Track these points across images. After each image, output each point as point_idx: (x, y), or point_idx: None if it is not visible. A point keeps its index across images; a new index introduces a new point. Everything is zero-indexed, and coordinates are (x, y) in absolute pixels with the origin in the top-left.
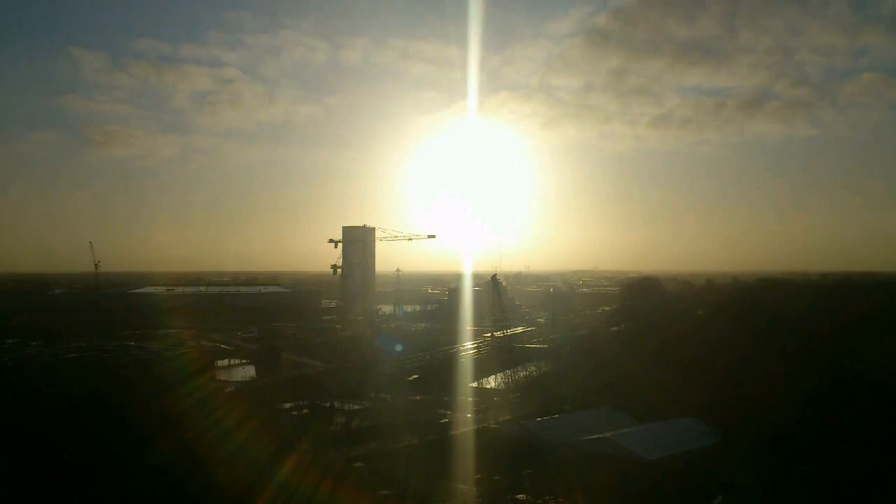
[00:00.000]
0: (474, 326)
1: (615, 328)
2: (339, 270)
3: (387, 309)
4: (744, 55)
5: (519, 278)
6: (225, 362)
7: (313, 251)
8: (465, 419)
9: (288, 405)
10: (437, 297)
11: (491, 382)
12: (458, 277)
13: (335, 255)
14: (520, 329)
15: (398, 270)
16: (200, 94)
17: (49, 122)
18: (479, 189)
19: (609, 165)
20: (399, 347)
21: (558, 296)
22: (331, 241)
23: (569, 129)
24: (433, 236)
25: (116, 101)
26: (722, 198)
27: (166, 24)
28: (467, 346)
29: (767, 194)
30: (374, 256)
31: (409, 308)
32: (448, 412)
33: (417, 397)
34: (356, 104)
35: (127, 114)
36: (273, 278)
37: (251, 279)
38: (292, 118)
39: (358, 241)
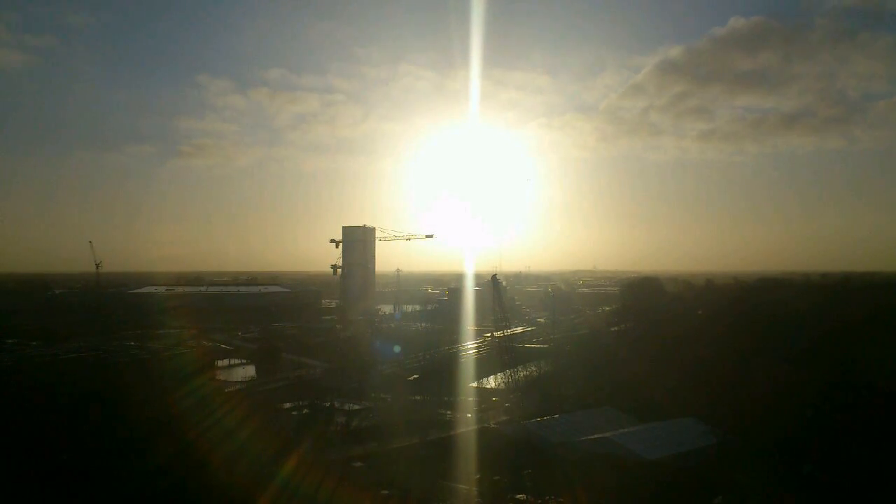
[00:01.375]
0: (474, 326)
1: (615, 328)
2: (339, 270)
3: (387, 309)
4: (794, 81)
5: (519, 278)
6: (225, 362)
7: (313, 251)
8: (465, 419)
9: (288, 405)
10: (437, 297)
11: (491, 382)
12: (458, 277)
13: (335, 255)
14: (520, 329)
15: (398, 270)
16: (302, 115)
17: (152, 137)
18: (479, 189)
19: (625, 173)
20: (397, 349)
21: (558, 296)
22: (332, 241)
23: (620, 143)
24: (431, 236)
25: (224, 121)
26: (730, 202)
27: (297, 56)
28: (467, 346)
29: (774, 198)
30: (374, 256)
31: (408, 308)
32: (448, 412)
33: (417, 397)
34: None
35: (227, 130)
36: (273, 278)
37: (251, 279)
38: (374, 132)
39: (358, 241)
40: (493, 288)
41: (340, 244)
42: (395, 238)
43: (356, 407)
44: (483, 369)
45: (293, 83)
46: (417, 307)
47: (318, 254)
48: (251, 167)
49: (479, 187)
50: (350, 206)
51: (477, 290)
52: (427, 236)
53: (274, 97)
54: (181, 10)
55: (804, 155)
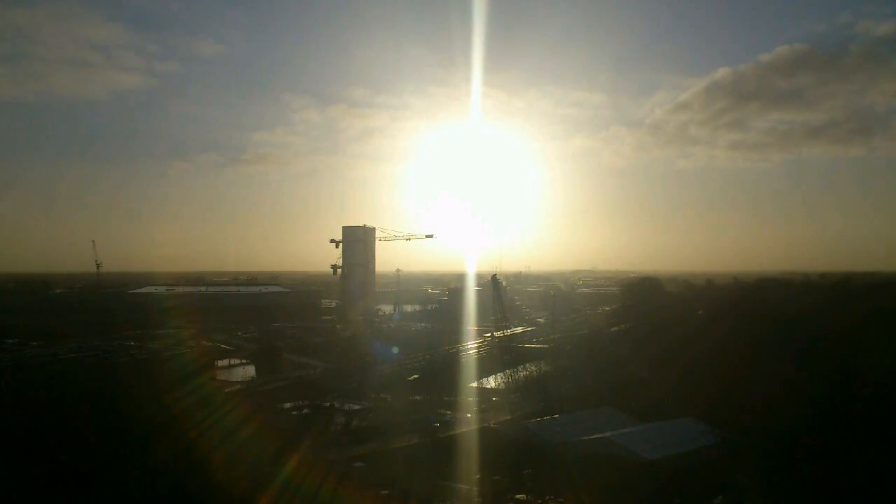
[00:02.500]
0: (475, 326)
1: (615, 328)
2: (339, 270)
3: (387, 309)
4: (826, 99)
5: (519, 278)
6: (225, 362)
7: (313, 251)
8: (465, 419)
9: (288, 405)
10: (438, 297)
11: (491, 382)
12: (458, 277)
13: (335, 255)
14: (520, 329)
15: (398, 270)
16: (370, 129)
17: (222, 148)
18: (479, 190)
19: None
20: (395, 350)
21: (558, 296)
22: (332, 241)
23: (655, 151)
24: (431, 235)
25: (293, 134)
26: (739, 205)
27: (379, 77)
28: (468, 346)
29: (782, 201)
30: (374, 256)
31: (409, 308)
32: (448, 412)
33: (417, 397)
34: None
35: (292, 142)
36: (273, 278)
37: (251, 279)
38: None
39: (358, 241)
40: (494, 288)
41: (340, 244)
42: (395, 238)
43: (356, 407)
44: (483, 369)
45: (367, 100)
46: (417, 307)
47: (318, 254)
48: (305, 173)
49: (488, 188)
50: (351, 206)
51: (477, 290)
52: (427, 236)
53: (346, 113)
54: (284, 38)
55: (825, 162)
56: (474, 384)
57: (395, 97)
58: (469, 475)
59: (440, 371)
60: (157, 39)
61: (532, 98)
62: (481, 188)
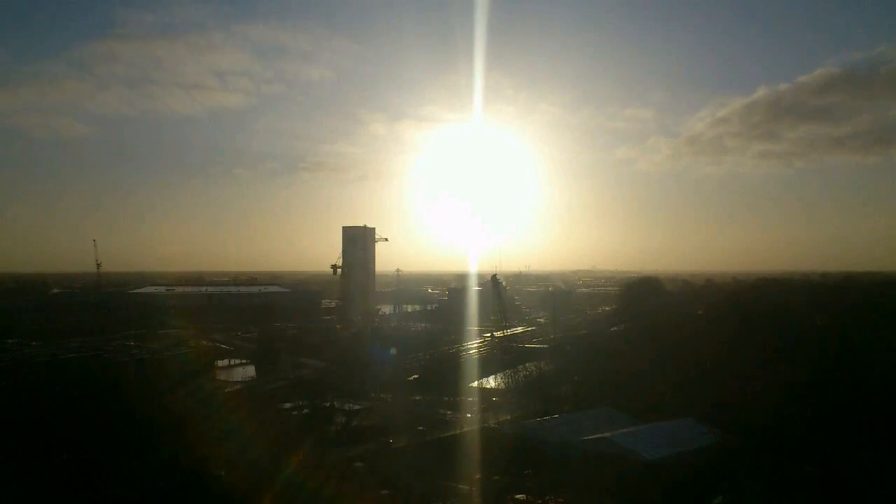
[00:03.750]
0: (474, 326)
1: (615, 328)
2: (339, 270)
3: (387, 309)
4: (854, 115)
5: (519, 278)
6: (225, 362)
7: (313, 251)
8: (465, 419)
9: (288, 405)
10: (437, 297)
11: (491, 382)
12: (458, 277)
13: (335, 255)
14: (520, 329)
15: (398, 270)
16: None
17: (283, 158)
18: (479, 190)
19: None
20: (393, 351)
21: (558, 296)
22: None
23: (686, 159)
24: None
25: (354, 145)
26: (746, 208)
27: (450, 96)
28: (467, 346)
29: (788, 204)
30: (374, 256)
31: (409, 308)
32: (448, 412)
33: (417, 397)
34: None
35: (354, 153)
36: (273, 278)
37: (251, 279)
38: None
39: (358, 241)
40: (494, 288)
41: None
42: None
43: (356, 407)
44: (483, 369)
45: (434, 116)
46: (417, 307)
47: (318, 254)
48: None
49: (505, 191)
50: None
51: (477, 290)
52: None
53: (419, 128)
54: (381, 63)
55: (842, 169)
56: (474, 384)
57: (463, 113)
58: (469, 475)
59: (440, 371)
60: (273, 66)
61: (588, 114)
62: (500, 192)
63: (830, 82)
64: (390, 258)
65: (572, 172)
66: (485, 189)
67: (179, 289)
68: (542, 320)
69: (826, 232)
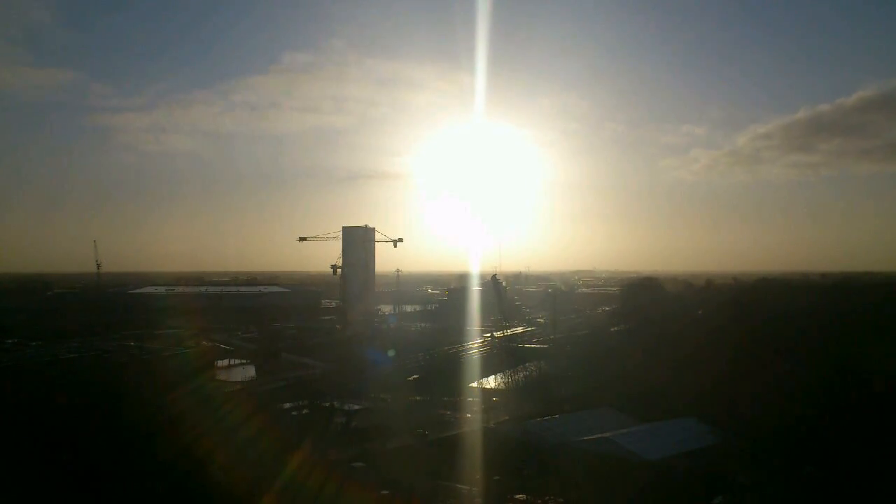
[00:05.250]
0: (475, 326)
1: (615, 328)
2: (339, 270)
3: (387, 309)
4: (885, 130)
5: (519, 278)
6: (225, 362)
7: (314, 251)
8: (465, 419)
9: (288, 405)
10: (437, 297)
11: (491, 382)
12: (458, 277)
13: (335, 255)
14: (520, 329)
15: (398, 270)
16: None
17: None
18: (479, 190)
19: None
20: (392, 353)
21: (558, 296)
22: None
23: (720, 169)
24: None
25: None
26: (752, 210)
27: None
28: (467, 347)
29: (787, 204)
30: (374, 256)
31: (409, 308)
32: (448, 412)
33: (417, 397)
34: None
35: None
36: (273, 278)
37: (251, 279)
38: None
39: (358, 241)
40: (494, 288)
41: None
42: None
43: (356, 407)
44: (483, 369)
45: None
46: (417, 307)
47: (318, 254)
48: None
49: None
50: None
51: (477, 290)
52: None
53: None
54: None
55: (866, 176)
56: (475, 384)
57: (466, 113)
58: (469, 475)
59: (440, 371)
60: (392, 94)
61: (649, 130)
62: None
63: (868, 104)
64: (390, 258)
65: (610, 184)
66: (487, 189)
67: (179, 289)
68: (542, 320)
69: (831, 235)
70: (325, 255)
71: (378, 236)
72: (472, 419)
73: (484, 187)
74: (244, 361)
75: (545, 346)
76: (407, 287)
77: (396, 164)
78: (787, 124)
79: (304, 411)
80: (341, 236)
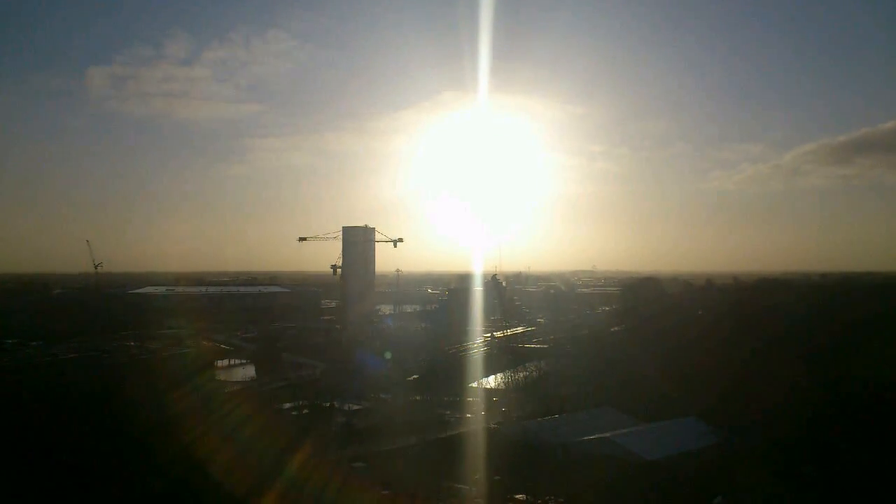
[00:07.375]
0: (475, 326)
1: (616, 328)
2: (339, 270)
3: (387, 309)
4: None
5: (519, 278)
6: (225, 362)
7: (314, 251)
8: (465, 419)
9: (288, 405)
10: (437, 297)
11: (491, 382)
12: (458, 278)
13: (335, 255)
14: (520, 329)
15: (398, 270)
16: None
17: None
18: (479, 190)
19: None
20: (388, 355)
21: (558, 296)
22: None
23: (760, 178)
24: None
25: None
26: (757, 212)
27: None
28: (468, 347)
29: (788, 205)
30: (374, 256)
31: (409, 308)
32: (448, 412)
33: (417, 397)
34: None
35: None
36: (273, 278)
37: (251, 279)
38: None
39: (358, 241)
40: (494, 288)
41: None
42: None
43: (356, 407)
44: (483, 369)
45: None
46: (417, 307)
47: (318, 254)
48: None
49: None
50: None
51: (477, 291)
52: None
53: None
54: None
55: (886, 182)
56: (475, 384)
57: (465, 110)
58: (469, 475)
59: (440, 371)
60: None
61: (713, 150)
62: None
63: None
64: (390, 258)
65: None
66: (487, 189)
67: (179, 289)
68: (542, 320)
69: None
70: (325, 255)
71: (378, 236)
72: (473, 419)
73: (484, 187)
74: (244, 361)
75: (545, 346)
76: (407, 287)
77: (396, 164)
78: (829, 144)
79: (305, 411)
80: (341, 236)
